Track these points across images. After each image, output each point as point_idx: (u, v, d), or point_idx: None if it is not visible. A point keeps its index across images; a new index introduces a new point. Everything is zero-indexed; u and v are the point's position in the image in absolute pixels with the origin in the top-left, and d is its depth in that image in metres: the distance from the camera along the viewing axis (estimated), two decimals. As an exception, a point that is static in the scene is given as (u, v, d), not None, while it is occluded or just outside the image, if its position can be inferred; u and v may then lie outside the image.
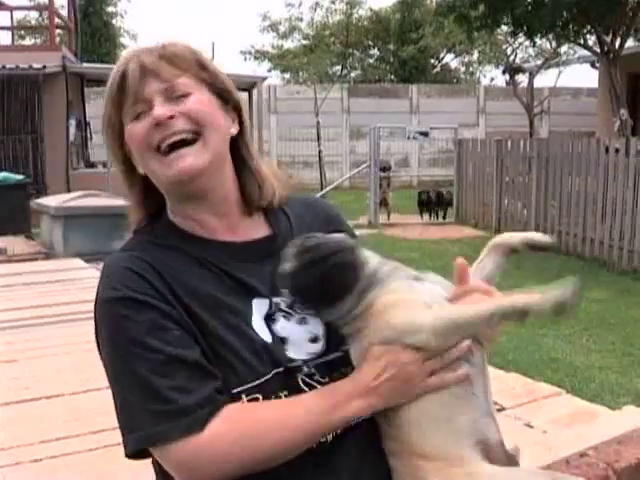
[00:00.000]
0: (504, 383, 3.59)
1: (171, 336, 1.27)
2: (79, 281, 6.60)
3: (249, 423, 1.26)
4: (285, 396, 1.31)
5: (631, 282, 8.63)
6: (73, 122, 15.44)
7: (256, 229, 1.47)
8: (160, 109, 1.34)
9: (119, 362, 1.31)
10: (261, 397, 1.30)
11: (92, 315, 4.49)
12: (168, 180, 1.36)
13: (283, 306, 1.39)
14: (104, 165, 15.77)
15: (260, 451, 1.25)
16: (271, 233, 1.48)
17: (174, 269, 1.35)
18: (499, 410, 3.17)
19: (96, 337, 1.41)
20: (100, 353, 1.39)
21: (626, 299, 7.78)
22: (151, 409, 1.24)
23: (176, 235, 1.42)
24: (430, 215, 13.96)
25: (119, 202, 9.07)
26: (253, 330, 1.33)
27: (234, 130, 1.44)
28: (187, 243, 1.41)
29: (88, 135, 17.29)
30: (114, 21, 33.65)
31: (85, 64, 17.84)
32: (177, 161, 1.34)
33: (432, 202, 13.97)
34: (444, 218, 13.92)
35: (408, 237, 11.92)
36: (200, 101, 1.37)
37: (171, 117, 1.34)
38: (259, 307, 1.36)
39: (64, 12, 18.15)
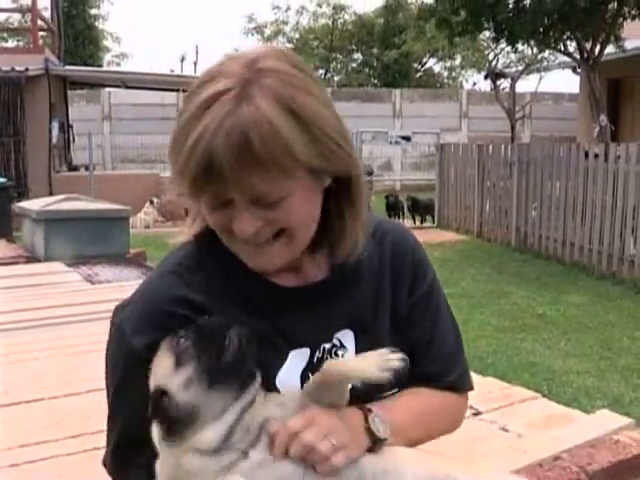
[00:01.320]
0: (481, 387, 3.62)
1: None
2: (61, 285, 6.61)
3: None
4: None
5: (610, 286, 8.70)
6: (56, 125, 15.39)
7: (318, 267, 1.35)
8: (245, 225, 1.17)
9: (111, 394, 1.37)
10: None
11: (73, 319, 4.48)
12: (251, 266, 1.26)
13: (318, 354, 1.31)
14: (86, 168, 15.75)
15: None
16: (328, 277, 1.35)
17: (215, 301, 1.27)
18: (475, 414, 3.22)
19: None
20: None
21: (604, 303, 7.85)
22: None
23: (234, 262, 1.28)
24: (398, 218, 14.04)
25: (101, 206, 9.07)
26: (274, 385, 1.25)
27: (327, 183, 1.26)
28: (241, 275, 1.29)
29: (71, 138, 17.25)
30: (97, 23, 33.55)
31: (68, 67, 17.78)
32: (259, 256, 1.23)
33: (399, 206, 14.03)
34: (421, 223, 13.93)
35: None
36: (296, 208, 1.19)
37: (259, 228, 1.18)
38: (297, 358, 1.29)
39: (47, 14, 18.09)
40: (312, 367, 1.27)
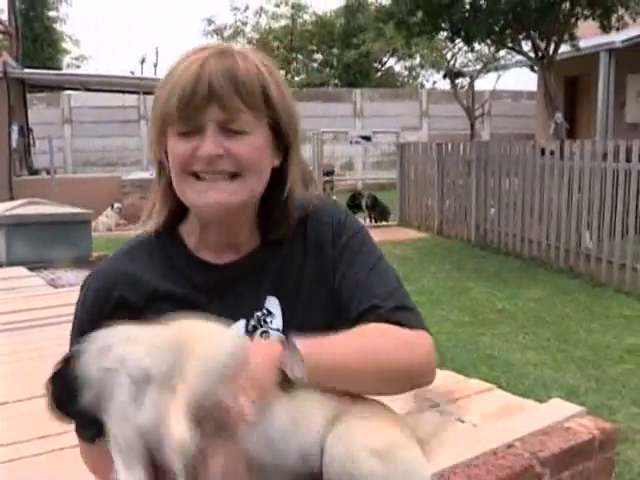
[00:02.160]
0: (438, 380, 3.73)
1: None
2: (23, 289, 6.58)
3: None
4: None
5: (567, 280, 8.89)
6: (15, 128, 15.25)
7: (254, 247, 1.45)
8: (211, 145, 1.28)
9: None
10: None
11: (37, 323, 4.51)
12: (194, 207, 1.36)
13: (252, 321, 1.40)
14: (47, 172, 15.63)
15: None
16: (257, 247, 1.45)
17: (160, 281, 1.41)
18: (432, 406, 3.32)
19: None
20: None
21: (562, 297, 8.02)
22: None
23: (178, 248, 1.44)
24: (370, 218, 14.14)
25: (63, 209, 9.05)
26: None
27: (276, 162, 1.39)
28: (184, 258, 1.43)
29: (31, 141, 17.10)
30: (56, 26, 33.21)
31: (27, 70, 17.64)
32: (210, 192, 1.31)
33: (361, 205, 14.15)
34: (376, 221, 14.00)
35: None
36: (254, 147, 1.31)
37: (219, 156, 1.29)
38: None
39: (4, 17, 17.93)
40: (248, 336, 1.34)
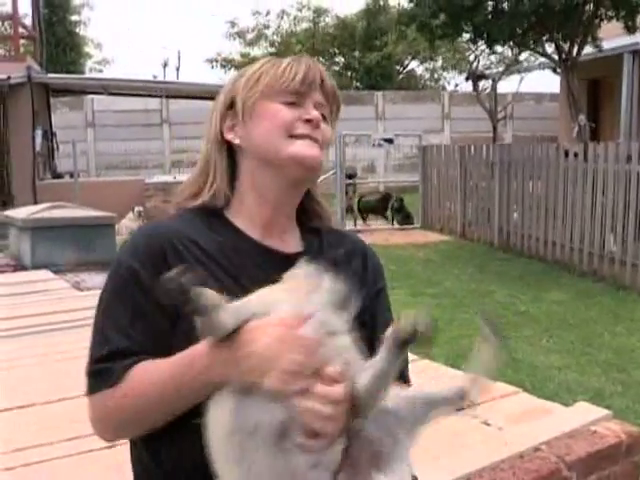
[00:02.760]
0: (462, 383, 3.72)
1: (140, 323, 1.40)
2: (48, 292, 6.65)
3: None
4: None
5: (591, 284, 8.84)
6: (39, 133, 15.36)
7: (294, 241, 1.58)
8: (317, 112, 1.51)
9: (102, 309, 1.47)
10: None
11: (62, 326, 4.55)
12: (299, 159, 1.48)
13: None
14: (71, 175, 15.74)
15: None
16: (301, 251, 1.55)
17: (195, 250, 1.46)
18: (457, 409, 3.31)
19: None
20: None
21: (585, 300, 7.98)
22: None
23: (222, 222, 1.53)
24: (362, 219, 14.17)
25: (87, 213, 9.12)
26: None
27: None
28: (230, 231, 1.52)
29: (54, 145, 17.22)
30: (78, 30, 33.43)
31: (50, 74, 17.78)
32: (311, 149, 1.49)
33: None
34: (399, 224, 14.02)
35: (374, 243, 12.04)
36: (329, 133, 1.54)
37: (318, 125, 1.50)
38: None
39: (28, 22, 18.07)
40: None
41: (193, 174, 1.59)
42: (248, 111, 1.51)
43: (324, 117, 1.53)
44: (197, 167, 1.59)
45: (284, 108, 1.49)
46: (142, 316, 1.39)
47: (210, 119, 1.58)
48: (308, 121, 1.49)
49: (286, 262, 1.41)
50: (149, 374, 1.34)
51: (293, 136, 1.48)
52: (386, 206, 14.03)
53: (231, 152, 1.55)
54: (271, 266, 1.41)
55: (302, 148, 1.48)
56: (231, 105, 1.55)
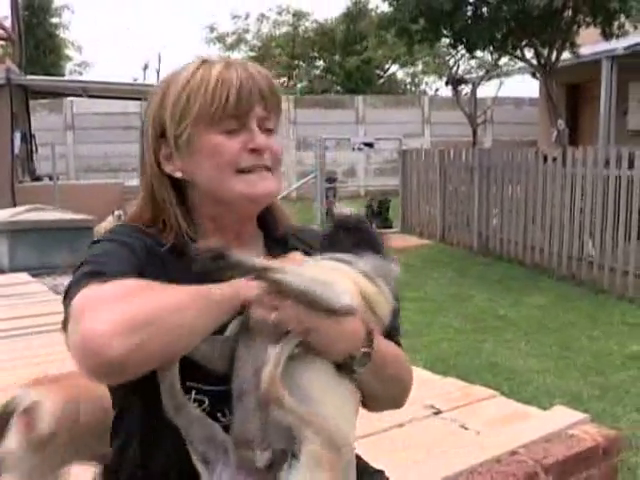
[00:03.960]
0: (441, 387, 3.74)
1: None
2: (26, 296, 6.59)
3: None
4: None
5: (569, 288, 8.89)
6: (18, 135, 15.25)
7: (257, 245, 1.53)
8: (262, 138, 1.40)
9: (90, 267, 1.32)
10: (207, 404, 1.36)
11: (40, 329, 4.52)
12: (248, 197, 1.41)
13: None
14: (50, 178, 15.62)
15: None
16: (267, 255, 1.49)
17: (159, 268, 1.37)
18: (435, 413, 3.32)
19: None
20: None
21: (564, 304, 8.02)
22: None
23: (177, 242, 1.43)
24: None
25: (66, 216, 9.08)
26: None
27: None
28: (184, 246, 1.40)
29: (33, 148, 17.10)
30: (58, 32, 33.25)
31: (29, 76, 17.64)
32: (262, 183, 1.41)
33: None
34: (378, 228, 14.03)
35: (355, 247, 12.04)
36: (279, 145, 1.47)
37: (264, 150, 1.41)
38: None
39: (7, 23, 17.94)
40: None
41: (140, 211, 1.48)
42: (183, 145, 1.40)
43: (269, 130, 1.44)
44: (142, 204, 1.48)
45: (224, 140, 1.38)
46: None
47: (144, 150, 1.47)
48: (254, 150, 1.40)
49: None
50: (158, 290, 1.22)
51: (240, 170, 1.39)
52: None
53: (175, 181, 1.45)
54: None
55: (253, 185, 1.40)
56: (162, 133, 1.43)
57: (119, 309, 1.13)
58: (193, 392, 1.34)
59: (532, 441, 3.01)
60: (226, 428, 1.30)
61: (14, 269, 8.04)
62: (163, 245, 1.42)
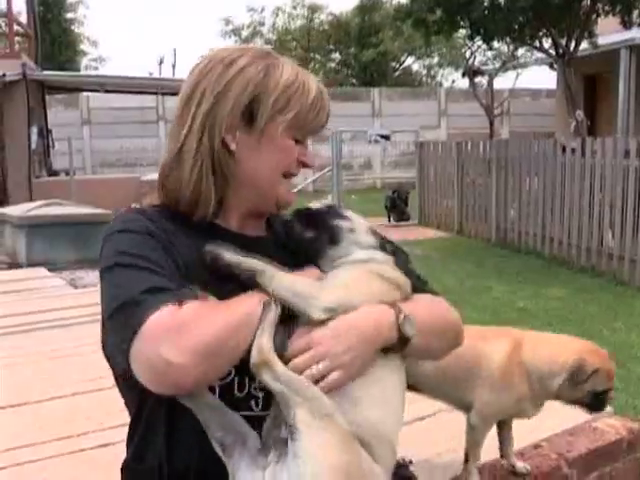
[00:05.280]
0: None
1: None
2: (44, 290, 6.59)
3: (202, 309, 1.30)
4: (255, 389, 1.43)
5: (589, 279, 8.81)
6: (35, 130, 15.31)
7: (261, 228, 1.64)
8: (313, 158, 1.57)
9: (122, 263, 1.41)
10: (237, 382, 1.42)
11: (58, 324, 4.50)
12: (281, 202, 1.56)
13: None
14: (67, 173, 15.68)
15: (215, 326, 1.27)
16: (268, 234, 1.64)
17: (176, 239, 1.46)
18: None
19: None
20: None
21: (584, 296, 7.94)
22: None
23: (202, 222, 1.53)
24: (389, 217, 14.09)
25: (82, 210, 9.08)
26: None
27: None
28: (201, 225, 1.52)
29: (50, 143, 17.16)
30: (73, 27, 33.40)
31: (46, 72, 17.70)
32: (291, 194, 1.58)
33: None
34: (389, 220, 13.99)
35: (371, 239, 11.99)
36: None
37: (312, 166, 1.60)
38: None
39: (23, 19, 18.00)
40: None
41: (184, 164, 1.51)
42: (258, 131, 1.48)
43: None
44: (174, 157, 1.53)
45: (294, 146, 1.52)
46: (167, 260, 1.39)
47: (213, 107, 1.46)
48: (301, 162, 1.54)
49: (255, 243, 1.51)
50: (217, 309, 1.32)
51: (286, 174, 1.53)
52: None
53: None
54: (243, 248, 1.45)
55: (287, 194, 1.56)
56: (247, 108, 1.46)
57: (195, 338, 1.23)
58: (251, 387, 1.44)
59: (555, 434, 2.96)
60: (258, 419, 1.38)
61: (32, 264, 8.05)
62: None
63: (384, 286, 1.46)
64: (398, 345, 1.41)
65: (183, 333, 1.22)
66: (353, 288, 1.42)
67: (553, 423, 3.08)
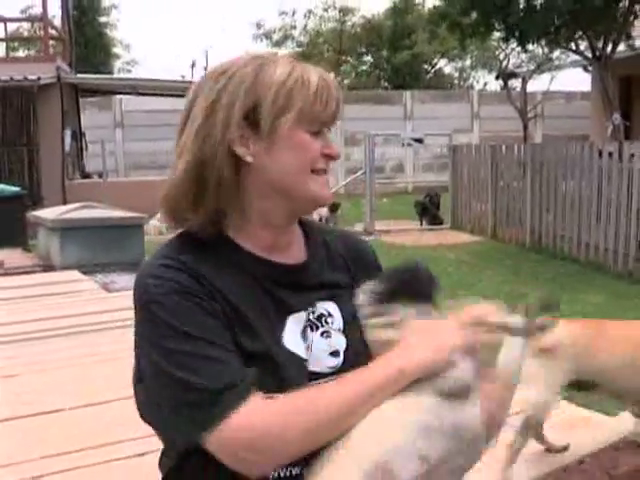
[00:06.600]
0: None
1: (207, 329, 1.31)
2: (78, 293, 6.63)
3: (286, 398, 1.27)
4: None
5: (626, 285, 8.66)
6: (68, 133, 15.44)
7: (298, 251, 1.53)
8: (335, 146, 1.46)
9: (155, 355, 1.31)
10: None
11: (91, 328, 4.50)
12: (318, 199, 1.46)
13: (311, 317, 1.46)
14: (99, 175, 15.80)
15: (305, 417, 1.26)
16: (305, 261, 1.52)
17: (221, 278, 1.39)
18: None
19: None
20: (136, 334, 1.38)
21: (622, 302, 7.80)
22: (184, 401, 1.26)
23: (228, 246, 1.45)
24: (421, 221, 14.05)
25: (116, 213, 9.11)
26: (279, 345, 1.38)
27: None
28: (238, 255, 1.44)
29: (83, 145, 17.30)
30: (107, 31, 33.71)
31: (79, 75, 17.86)
32: (327, 187, 1.48)
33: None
34: (421, 224, 13.96)
35: (404, 243, 11.94)
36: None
37: (337, 157, 1.49)
38: (294, 321, 1.43)
39: (57, 23, 18.18)
40: (309, 324, 1.44)
41: (179, 183, 1.48)
42: (266, 133, 1.39)
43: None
44: (184, 175, 1.48)
45: (312, 140, 1.42)
46: (218, 323, 1.33)
47: (208, 118, 1.41)
48: (327, 155, 1.45)
49: (292, 273, 1.46)
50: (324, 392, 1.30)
51: (314, 171, 1.44)
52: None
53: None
54: (277, 278, 1.44)
55: (323, 189, 1.46)
56: (249, 115, 1.39)
57: (296, 445, 1.25)
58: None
59: (599, 449, 2.89)
60: None
61: (65, 266, 8.09)
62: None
63: None
64: None
65: (280, 440, 1.24)
66: None
67: (595, 437, 3.01)
